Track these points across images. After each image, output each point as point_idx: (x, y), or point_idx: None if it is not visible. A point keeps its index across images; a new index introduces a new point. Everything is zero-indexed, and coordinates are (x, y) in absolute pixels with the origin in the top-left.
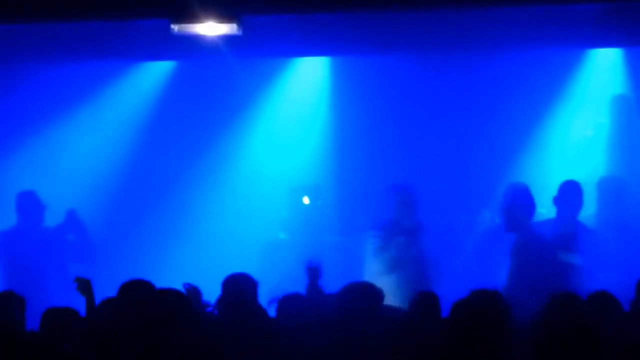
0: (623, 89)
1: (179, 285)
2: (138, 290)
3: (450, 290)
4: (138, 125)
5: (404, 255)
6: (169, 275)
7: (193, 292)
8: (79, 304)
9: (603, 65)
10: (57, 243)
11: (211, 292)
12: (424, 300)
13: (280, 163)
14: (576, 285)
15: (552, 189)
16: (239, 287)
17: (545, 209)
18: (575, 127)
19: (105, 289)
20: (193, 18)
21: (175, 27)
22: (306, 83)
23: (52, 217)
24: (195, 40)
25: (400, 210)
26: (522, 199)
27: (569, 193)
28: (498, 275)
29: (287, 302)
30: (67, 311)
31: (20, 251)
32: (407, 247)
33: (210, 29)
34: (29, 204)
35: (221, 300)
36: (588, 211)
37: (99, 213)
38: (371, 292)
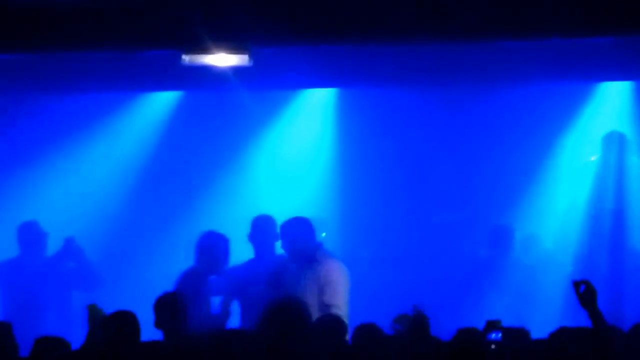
0: (631, 122)
1: None
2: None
3: None
4: (143, 155)
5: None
6: None
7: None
8: (77, 333)
9: (611, 98)
10: (57, 271)
11: None
12: None
13: (285, 194)
14: None
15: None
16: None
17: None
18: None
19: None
20: (205, 49)
21: (186, 58)
22: (312, 115)
23: (55, 247)
24: (203, 71)
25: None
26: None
27: None
28: None
29: None
30: (57, 341)
31: (20, 282)
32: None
33: (221, 59)
34: (30, 235)
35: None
36: None
37: (104, 242)
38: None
